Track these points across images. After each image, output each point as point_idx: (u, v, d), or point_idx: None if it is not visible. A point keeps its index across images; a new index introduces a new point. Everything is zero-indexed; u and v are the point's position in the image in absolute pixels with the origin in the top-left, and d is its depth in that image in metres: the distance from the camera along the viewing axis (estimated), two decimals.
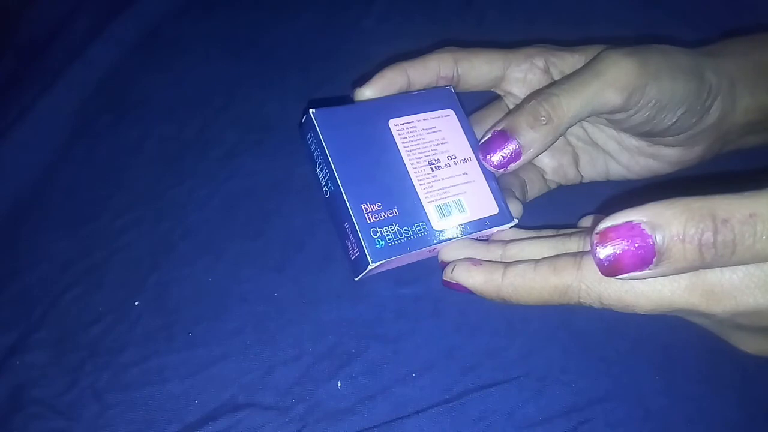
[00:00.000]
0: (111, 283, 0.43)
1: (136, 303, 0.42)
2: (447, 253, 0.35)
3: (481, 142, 0.36)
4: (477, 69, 0.38)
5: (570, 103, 0.34)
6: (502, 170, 0.35)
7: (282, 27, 0.55)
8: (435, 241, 0.34)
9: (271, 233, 0.43)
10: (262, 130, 0.48)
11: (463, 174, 0.36)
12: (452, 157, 0.36)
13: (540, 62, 0.38)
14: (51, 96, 0.51)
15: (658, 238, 0.24)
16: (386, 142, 0.35)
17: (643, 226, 0.25)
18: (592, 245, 0.26)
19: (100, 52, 0.54)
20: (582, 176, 0.42)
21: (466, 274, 0.33)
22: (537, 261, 0.31)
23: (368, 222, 0.32)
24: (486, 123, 0.41)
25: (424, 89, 0.38)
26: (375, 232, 0.32)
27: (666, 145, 0.39)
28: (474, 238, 0.35)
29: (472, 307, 0.39)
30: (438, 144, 0.36)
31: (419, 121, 0.36)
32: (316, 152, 0.34)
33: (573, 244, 0.32)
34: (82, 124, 0.51)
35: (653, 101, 0.35)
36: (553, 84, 0.35)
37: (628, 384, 0.36)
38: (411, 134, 0.35)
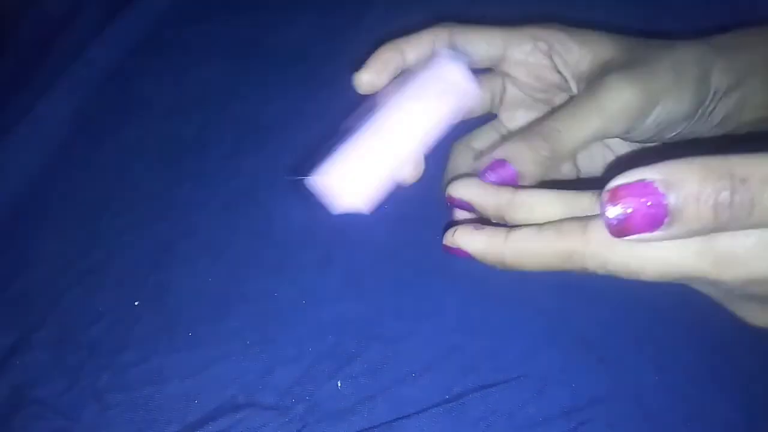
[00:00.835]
0: (111, 283, 0.43)
1: (136, 303, 0.42)
2: (455, 188, 0.33)
3: (481, 168, 0.34)
4: (474, 45, 0.36)
5: (573, 138, 0.33)
6: None
7: (282, 27, 0.55)
8: None
9: (272, 233, 0.44)
10: (262, 131, 0.48)
11: None
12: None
13: (543, 46, 0.36)
14: (51, 96, 0.51)
15: (672, 197, 0.23)
16: None
17: (656, 184, 0.23)
18: (601, 204, 0.25)
19: (101, 53, 0.54)
20: (579, 171, 0.42)
21: (468, 237, 0.31)
22: (541, 225, 0.29)
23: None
24: (481, 141, 0.40)
25: None
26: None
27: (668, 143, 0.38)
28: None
29: (473, 307, 0.39)
30: None
31: None
32: None
33: (584, 202, 0.30)
34: (83, 124, 0.51)
35: (658, 123, 0.34)
36: (556, 115, 0.33)
37: (628, 384, 0.36)
38: None
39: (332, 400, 0.37)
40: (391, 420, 0.36)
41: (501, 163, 0.33)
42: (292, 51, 0.53)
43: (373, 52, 0.36)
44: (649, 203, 0.23)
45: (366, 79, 0.36)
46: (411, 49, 0.36)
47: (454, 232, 0.32)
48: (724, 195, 0.23)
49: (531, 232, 0.29)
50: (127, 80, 0.53)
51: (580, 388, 0.37)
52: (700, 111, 0.35)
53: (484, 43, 0.37)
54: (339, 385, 0.38)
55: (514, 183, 0.33)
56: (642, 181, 0.24)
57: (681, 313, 0.38)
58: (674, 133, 0.35)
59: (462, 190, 0.33)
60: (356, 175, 0.31)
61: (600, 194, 0.27)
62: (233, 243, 0.44)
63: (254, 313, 0.41)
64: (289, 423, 0.37)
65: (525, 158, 0.32)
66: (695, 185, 0.23)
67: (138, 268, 0.43)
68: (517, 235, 0.30)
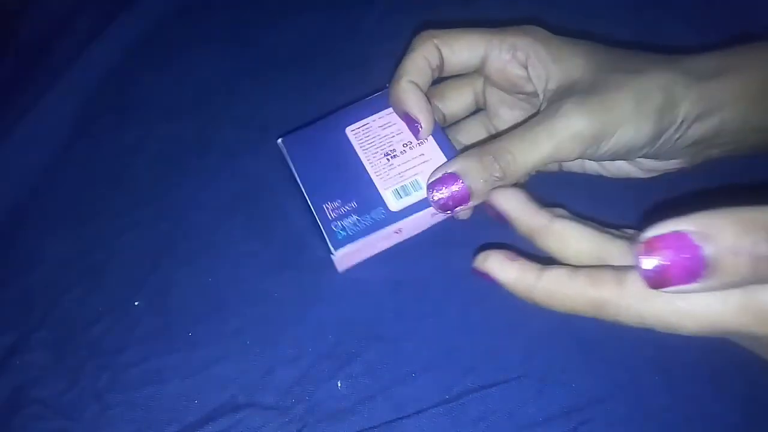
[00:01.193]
0: (111, 284, 0.43)
1: (136, 303, 0.42)
2: (500, 196, 0.33)
3: (431, 180, 0.34)
4: (458, 54, 0.38)
5: (524, 162, 0.33)
6: (447, 213, 0.35)
7: (282, 27, 0.55)
8: (393, 222, 0.36)
9: (272, 233, 0.44)
10: (262, 130, 0.48)
11: (420, 155, 0.38)
12: (408, 143, 0.38)
13: (521, 56, 0.37)
14: (52, 96, 0.51)
15: (708, 249, 0.23)
16: (344, 148, 0.39)
17: (691, 236, 0.23)
18: (636, 254, 0.24)
19: (101, 53, 0.54)
20: (561, 166, 0.42)
21: (500, 266, 0.31)
22: (575, 270, 0.29)
23: (330, 218, 0.36)
24: (451, 98, 0.41)
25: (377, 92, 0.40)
26: (336, 225, 0.36)
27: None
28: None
29: (473, 307, 0.39)
30: (393, 136, 0.39)
31: (374, 120, 0.39)
32: (293, 172, 0.39)
33: (617, 247, 0.30)
34: (83, 124, 0.51)
35: (614, 149, 0.34)
36: (510, 136, 0.33)
37: (628, 384, 0.37)
38: (366, 134, 0.39)
39: (332, 400, 0.37)
40: (391, 420, 0.37)
41: (453, 177, 0.33)
42: (292, 51, 0.53)
43: (400, 99, 0.37)
44: (685, 255, 0.23)
45: (427, 130, 0.37)
46: (418, 77, 0.37)
47: (487, 258, 0.31)
48: (762, 248, 0.22)
49: (565, 276, 0.29)
50: (127, 81, 0.53)
51: (580, 388, 0.37)
52: (663, 138, 0.34)
53: (466, 51, 0.38)
54: (339, 385, 0.38)
55: (464, 203, 0.33)
56: (677, 232, 0.23)
57: None
58: (637, 157, 0.36)
59: (504, 200, 0.33)
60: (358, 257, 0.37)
61: (633, 243, 0.27)
62: (233, 243, 0.44)
63: (254, 313, 0.41)
64: (289, 423, 0.37)
65: (476, 176, 0.33)
66: (732, 238, 0.23)
67: (138, 268, 0.43)
68: (550, 275, 0.29)
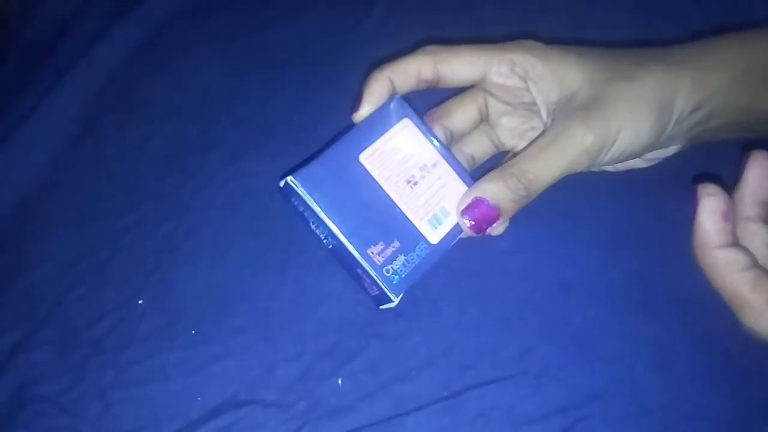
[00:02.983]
0: (115, 282, 0.43)
1: (139, 301, 0.42)
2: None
3: (462, 207, 0.36)
4: (457, 71, 0.39)
5: (543, 180, 0.35)
6: (480, 234, 0.36)
7: (284, 29, 0.55)
8: (437, 255, 0.37)
9: (273, 233, 0.44)
10: (264, 131, 0.49)
11: (438, 179, 0.38)
12: (424, 167, 0.38)
13: (520, 71, 0.38)
14: (55, 98, 0.52)
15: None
16: (364, 179, 0.36)
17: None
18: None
19: (104, 55, 0.54)
20: (474, 161, 0.43)
21: (711, 213, 0.32)
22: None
23: (378, 264, 0.35)
24: (457, 115, 0.42)
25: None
26: (387, 270, 0.35)
27: None
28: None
29: (470, 305, 0.40)
30: (408, 160, 0.37)
31: (384, 144, 0.37)
32: (305, 213, 0.35)
33: None
34: (86, 125, 0.51)
35: (618, 155, 0.36)
36: (527, 159, 0.35)
37: (625, 381, 0.37)
38: (382, 161, 0.37)
39: (333, 397, 0.38)
40: (391, 416, 0.37)
41: (482, 201, 0.35)
42: (293, 53, 0.53)
43: (365, 82, 0.38)
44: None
45: (365, 112, 0.38)
46: (398, 78, 0.38)
47: (710, 196, 0.32)
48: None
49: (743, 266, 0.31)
50: (130, 82, 0.53)
51: (577, 385, 0.37)
52: (663, 137, 0.37)
53: (465, 68, 0.39)
54: (340, 382, 0.38)
55: (494, 219, 0.35)
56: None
57: (677, 310, 0.39)
58: (640, 156, 0.38)
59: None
60: None
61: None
62: (235, 242, 0.44)
63: (256, 311, 0.41)
64: (291, 420, 0.37)
65: (504, 197, 0.35)
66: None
67: (141, 267, 0.44)
68: (738, 258, 0.31)
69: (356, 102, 0.38)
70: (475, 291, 0.40)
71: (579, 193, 0.42)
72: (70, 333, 0.41)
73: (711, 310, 0.39)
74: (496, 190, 0.35)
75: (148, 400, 0.39)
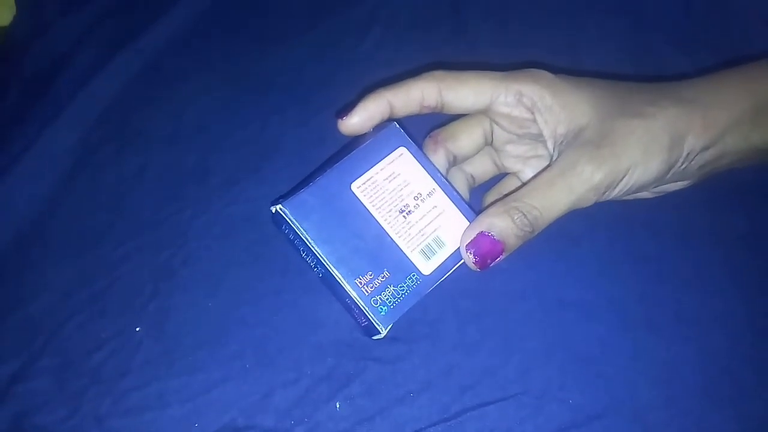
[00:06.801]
0: (112, 311, 0.43)
1: (137, 329, 0.42)
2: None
3: (466, 241, 0.35)
4: (462, 99, 0.38)
5: (550, 215, 0.35)
6: (483, 269, 0.35)
7: (280, 56, 0.56)
8: (429, 286, 0.36)
9: (271, 258, 0.44)
10: (260, 158, 0.49)
11: (434, 207, 0.37)
12: (418, 196, 0.37)
13: (528, 102, 0.37)
14: (54, 128, 0.52)
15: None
16: (356, 208, 0.36)
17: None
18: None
19: (103, 85, 0.55)
20: (474, 180, 0.43)
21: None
22: None
23: (366, 294, 0.34)
24: (462, 139, 0.40)
25: (371, 136, 0.38)
26: (376, 301, 0.34)
27: None
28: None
29: (469, 326, 0.40)
30: (402, 189, 0.37)
31: (377, 173, 0.37)
32: (296, 241, 0.35)
33: None
34: (85, 154, 0.51)
35: (626, 190, 0.36)
36: (533, 193, 0.35)
37: (626, 399, 0.37)
38: (374, 190, 0.36)
39: (331, 422, 0.38)
40: None
41: (486, 235, 0.34)
42: (289, 78, 0.54)
43: (362, 97, 0.37)
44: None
45: (354, 122, 0.37)
46: (399, 102, 0.37)
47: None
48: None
49: None
50: (127, 111, 0.53)
51: (578, 404, 0.37)
52: (671, 172, 0.36)
53: (471, 96, 0.38)
54: (338, 406, 0.38)
55: (498, 253, 0.34)
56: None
57: (678, 328, 0.39)
58: (646, 191, 0.38)
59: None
60: None
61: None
62: (232, 268, 0.44)
63: (253, 337, 0.41)
64: None
65: (509, 233, 0.34)
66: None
67: (139, 295, 0.44)
68: None
69: (346, 110, 0.37)
70: (474, 311, 0.40)
71: (578, 212, 0.42)
72: (69, 362, 0.41)
73: (713, 327, 0.39)
74: (503, 225, 0.34)
75: (146, 427, 0.39)
